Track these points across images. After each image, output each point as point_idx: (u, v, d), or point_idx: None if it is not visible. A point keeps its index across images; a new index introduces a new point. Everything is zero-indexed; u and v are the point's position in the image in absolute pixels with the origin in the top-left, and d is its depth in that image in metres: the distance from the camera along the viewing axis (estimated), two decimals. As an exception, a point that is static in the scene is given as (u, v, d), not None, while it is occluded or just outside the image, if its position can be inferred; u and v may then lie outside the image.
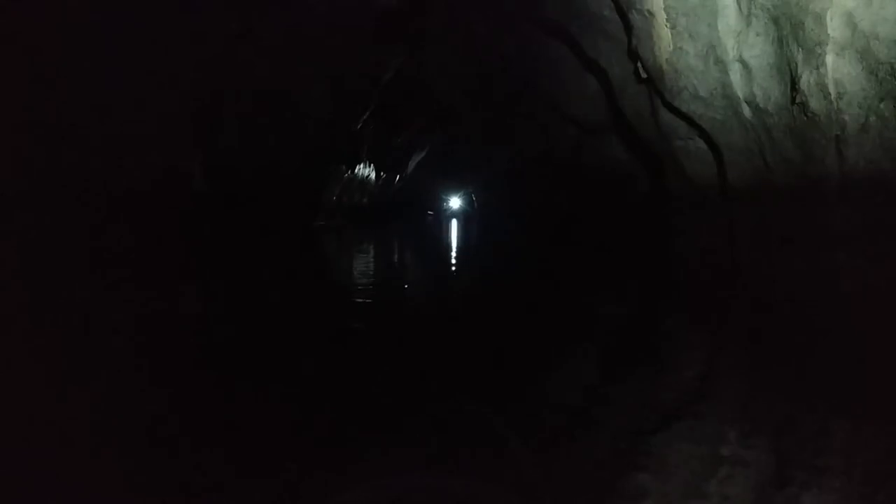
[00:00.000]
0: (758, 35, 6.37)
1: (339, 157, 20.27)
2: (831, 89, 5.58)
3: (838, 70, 5.46)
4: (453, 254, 12.65)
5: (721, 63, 6.93)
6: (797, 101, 5.98)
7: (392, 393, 3.34)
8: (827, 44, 5.47)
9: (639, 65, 8.52)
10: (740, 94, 6.91)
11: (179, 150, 12.58)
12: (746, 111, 6.93)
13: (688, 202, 9.39)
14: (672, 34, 7.42)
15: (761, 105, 6.63)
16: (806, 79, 5.73)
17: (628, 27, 8.41)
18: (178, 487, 2.24)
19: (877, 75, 5.18)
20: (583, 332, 5.09)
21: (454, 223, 28.08)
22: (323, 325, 5.14)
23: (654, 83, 8.35)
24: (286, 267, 9.70)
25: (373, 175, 25.46)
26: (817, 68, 5.61)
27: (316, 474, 2.35)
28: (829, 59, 5.51)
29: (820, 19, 5.43)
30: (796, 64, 5.87)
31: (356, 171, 23.00)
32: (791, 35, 5.86)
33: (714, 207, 8.37)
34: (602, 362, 4.18)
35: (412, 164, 29.29)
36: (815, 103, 5.76)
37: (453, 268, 10.10)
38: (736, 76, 6.83)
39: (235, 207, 14.62)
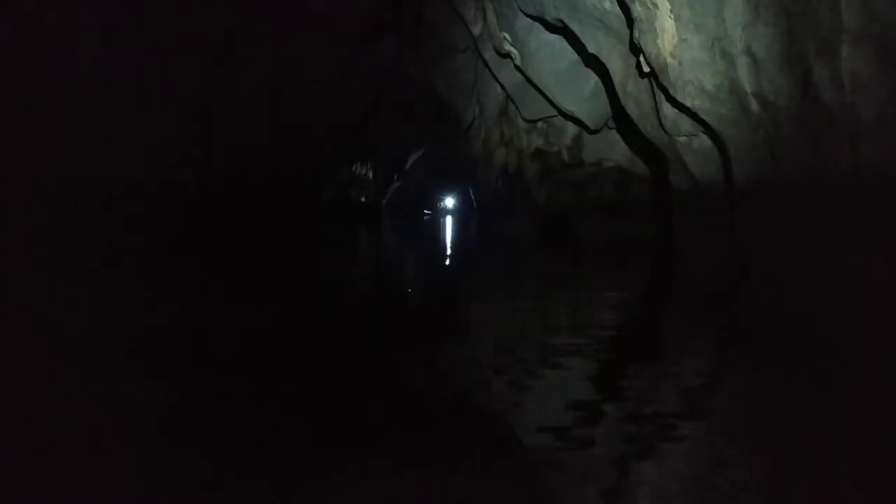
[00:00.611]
0: (766, 25, 6.23)
1: (338, 156, 20.15)
2: (846, 82, 5.43)
3: (853, 61, 5.30)
4: (449, 253, 12.48)
5: (728, 55, 6.82)
6: (809, 94, 5.86)
7: (391, 391, 3.29)
8: (841, 33, 5.31)
9: (641, 58, 8.40)
10: (748, 88, 6.77)
11: (179, 150, 12.47)
12: (754, 106, 6.81)
13: (691, 201, 9.31)
14: (676, 25, 7.30)
15: (770, 99, 6.50)
16: (818, 71, 5.61)
17: (630, 19, 8.30)
18: (177, 488, 2.21)
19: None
20: (581, 331, 4.97)
21: (452, 222, 27.91)
22: (322, 324, 5.06)
23: (656, 77, 8.24)
24: (285, 266, 9.56)
25: (371, 174, 25.39)
26: (831, 60, 5.48)
27: (315, 474, 2.31)
28: (844, 49, 5.37)
29: (833, 7, 5.27)
30: (808, 55, 5.75)
31: (354, 169, 22.90)
32: (802, 25, 5.73)
33: (719, 206, 8.27)
34: (602, 362, 4.04)
35: (410, 162, 29.21)
36: (828, 97, 5.64)
37: (450, 268, 9.92)
38: (743, 69, 6.70)
39: (234, 207, 14.53)
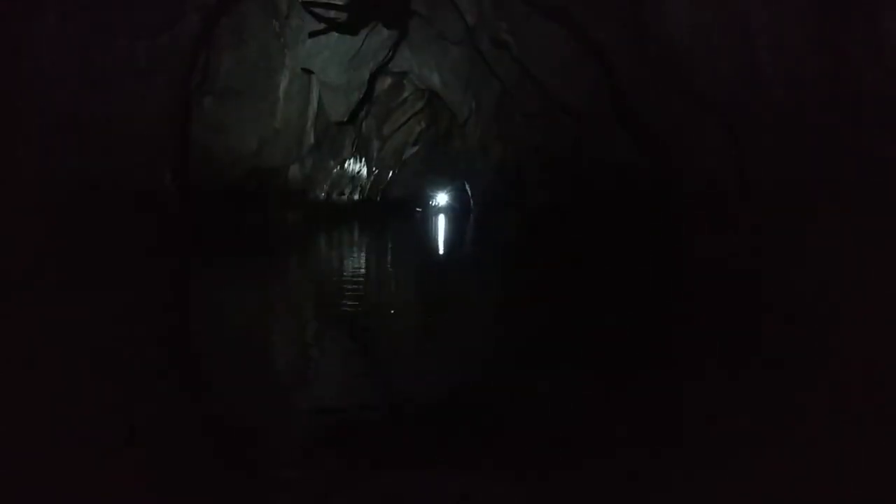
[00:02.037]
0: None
1: (328, 151, 19.44)
2: (890, 61, 4.67)
3: (901, 35, 4.54)
4: (443, 254, 11.95)
5: (748, 35, 5.99)
6: (845, 77, 5.07)
7: (390, 390, 3.40)
8: (885, 2, 4.57)
9: (648, 42, 7.60)
10: (771, 73, 5.95)
11: (158, 150, 11.71)
12: (778, 93, 5.98)
13: (702, 202, 8.46)
14: (689, 4, 6.53)
15: (797, 85, 5.67)
16: (856, 48, 4.81)
17: (637, -1, 7.53)
18: (177, 487, 2.26)
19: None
20: (582, 338, 4.77)
21: (448, 221, 27.33)
22: (316, 324, 5.18)
23: (666, 64, 7.48)
24: (276, 266, 9.35)
25: (364, 170, 24.62)
26: (872, 35, 4.69)
27: (315, 474, 2.35)
28: (889, 22, 4.60)
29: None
30: (843, 31, 4.96)
31: (346, 166, 22.15)
32: (840, -4, 4.95)
33: (734, 208, 7.45)
34: (603, 373, 3.83)
35: (405, 158, 28.51)
36: (868, 79, 4.84)
37: (445, 269, 9.40)
38: (766, 51, 5.87)
39: (217, 206, 13.77)
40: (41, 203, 8.92)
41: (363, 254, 11.93)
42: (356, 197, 25.67)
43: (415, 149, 27.95)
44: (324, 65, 15.77)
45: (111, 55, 10.23)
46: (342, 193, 23.85)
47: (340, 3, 13.53)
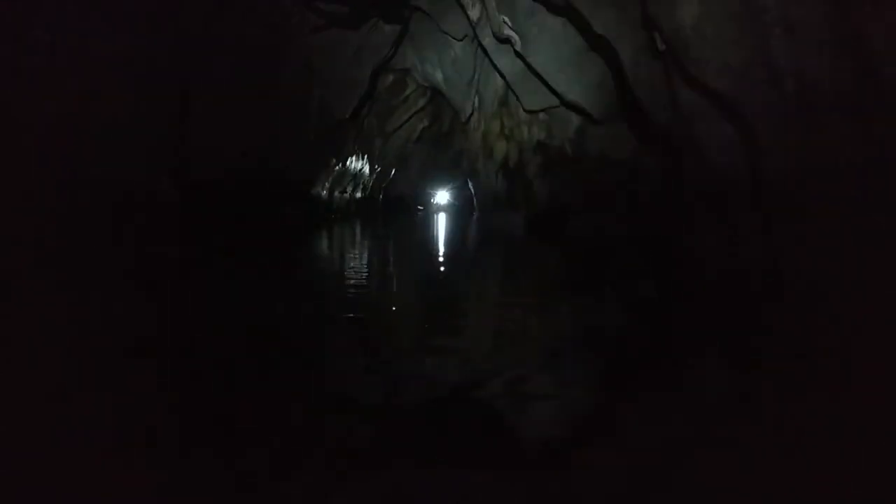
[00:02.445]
0: (808, -12, 5.34)
1: (329, 148, 19.37)
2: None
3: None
4: (443, 254, 11.84)
5: (759, 25, 5.91)
6: (861, 70, 4.98)
7: (391, 389, 3.40)
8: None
9: (656, 35, 7.50)
10: (783, 64, 5.86)
11: (156, 146, 11.64)
12: (790, 85, 5.89)
13: (711, 199, 8.34)
14: (698, -4, 6.43)
15: (810, 76, 5.59)
16: (873, 38, 4.73)
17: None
18: (176, 486, 2.27)
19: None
20: (582, 337, 4.71)
21: (450, 219, 27.19)
22: (317, 323, 5.12)
23: (673, 56, 7.36)
24: (274, 266, 9.15)
25: (366, 168, 24.53)
26: (890, 23, 4.61)
27: (315, 473, 2.35)
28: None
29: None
30: (859, 20, 4.87)
31: (347, 163, 22.07)
32: (855, -16, 4.85)
33: (745, 206, 7.34)
34: (603, 372, 3.78)
35: (406, 155, 28.38)
36: (886, 71, 4.76)
37: (446, 268, 9.29)
38: (778, 41, 5.79)
39: (217, 205, 13.70)
40: (41, 203, 8.90)
41: (364, 252, 11.84)
42: (358, 195, 25.57)
43: (417, 146, 27.84)
44: (325, 61, 15.70)
45: (110, 54, 10.18)
46: (343, 191, 23.75)
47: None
